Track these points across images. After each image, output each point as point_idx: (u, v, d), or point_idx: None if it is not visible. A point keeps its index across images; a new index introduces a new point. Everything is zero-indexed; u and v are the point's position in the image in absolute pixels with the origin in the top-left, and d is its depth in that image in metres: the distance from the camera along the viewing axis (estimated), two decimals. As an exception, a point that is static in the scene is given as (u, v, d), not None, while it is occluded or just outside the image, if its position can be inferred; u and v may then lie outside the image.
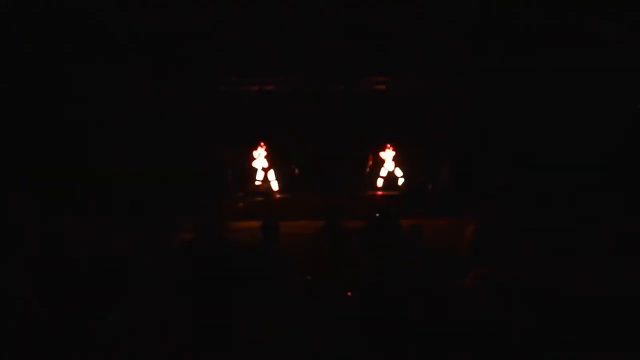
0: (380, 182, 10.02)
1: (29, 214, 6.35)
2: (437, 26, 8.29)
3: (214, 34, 8.30)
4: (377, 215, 5.03)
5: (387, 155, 9.95)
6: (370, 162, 10.21)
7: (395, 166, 9.96)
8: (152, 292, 3.44)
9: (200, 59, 8.59)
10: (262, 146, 9.67)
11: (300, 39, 8.42)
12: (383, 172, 10.03)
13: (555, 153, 8.25)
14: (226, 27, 8.25)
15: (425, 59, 8.81)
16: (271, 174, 9.74)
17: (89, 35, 7.76)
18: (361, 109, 9.94)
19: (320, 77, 9.51)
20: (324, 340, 3.08)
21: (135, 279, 3.64)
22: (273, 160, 9.76)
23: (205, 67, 8.78)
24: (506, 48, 8.27)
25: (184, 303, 3.36)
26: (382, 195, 9.78)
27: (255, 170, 9.71)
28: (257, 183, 9.68)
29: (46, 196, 6.98)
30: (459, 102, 9.13)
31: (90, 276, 3.57)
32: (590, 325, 2.95)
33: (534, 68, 8.25)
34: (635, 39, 7.66)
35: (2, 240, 4.33)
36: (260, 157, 9.69)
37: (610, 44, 7.81)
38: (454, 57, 8.64)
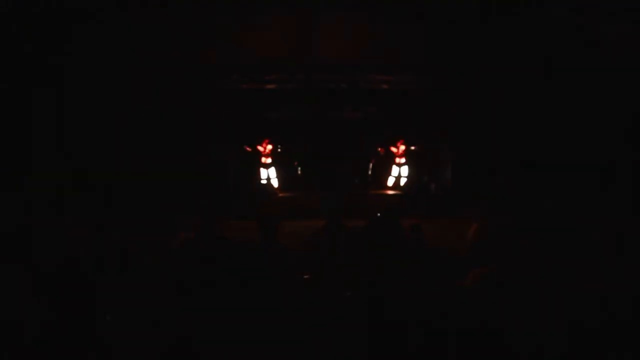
0: (390, 182, 10.03)
1: (29, 213, 6.36)
2: (437, 26, 8.29)
3: (214, 33, 8.30)
4: (378, 215, 5.03)
5: (390, 155, 9.95)
6: (373, 162, 10.22)
7: (398, 166, 9.96)
8: (152, 292, 3.44)
9: (200, 58, 8.59)
10: (262, 145, 9.67)
11: (301, 37, 8.41)
12: (385, 171, 10.03)
13: (556, 153, 8.25)
14: (226, 26, 8.24)
15: (426, 59, 8.81)
16: (272, 173, 9.74)
17: (89, 35, 7.76)
18: (363, 108, 9.95)
19: (322, 76, 9.51)
20: (323, 339, 3.08)
21: (135, 279, 3.64)
22: (274, 159, 9.75)
23: (206, 66, 8.77)
24: (506, 48, 8.27)
25: (184, 303, 3.36)
26: (384, 195, 9.79)
27: (256, 169, 9.70)
28: (257, 182, 9.69)
29: (46, 196, 6.99)
30: (461, 102, 9.14)
31: (90, 276, 3.57)
32: (589, 325, 2.95)
33: (534, 68, 8.25)
34: (635, 39, 7.66)
35: (2, 240, 4.33)
36: (260, 156, 9.69)
37: (610, 44, 7.80)
38: (454, 57, 8.64)
